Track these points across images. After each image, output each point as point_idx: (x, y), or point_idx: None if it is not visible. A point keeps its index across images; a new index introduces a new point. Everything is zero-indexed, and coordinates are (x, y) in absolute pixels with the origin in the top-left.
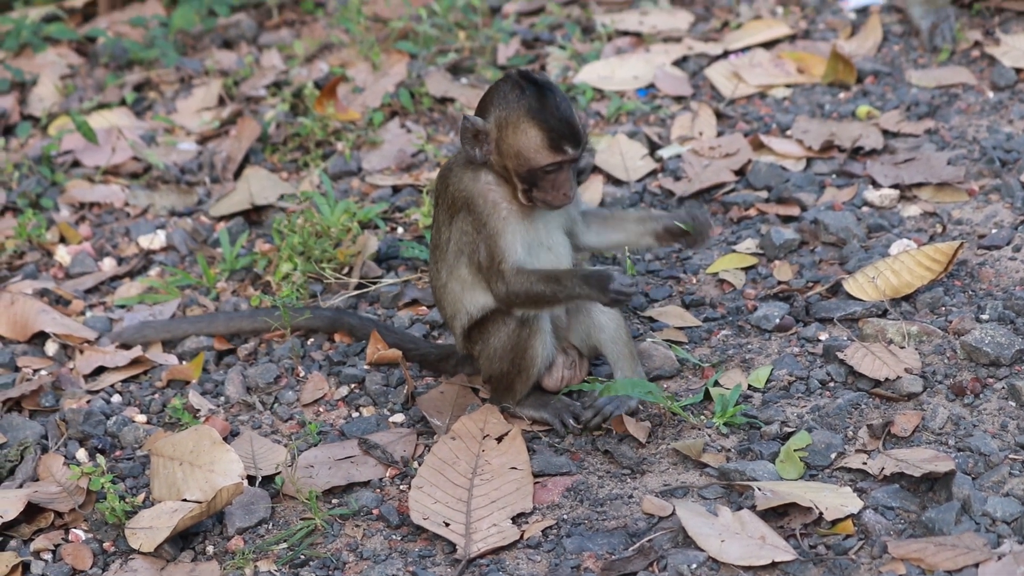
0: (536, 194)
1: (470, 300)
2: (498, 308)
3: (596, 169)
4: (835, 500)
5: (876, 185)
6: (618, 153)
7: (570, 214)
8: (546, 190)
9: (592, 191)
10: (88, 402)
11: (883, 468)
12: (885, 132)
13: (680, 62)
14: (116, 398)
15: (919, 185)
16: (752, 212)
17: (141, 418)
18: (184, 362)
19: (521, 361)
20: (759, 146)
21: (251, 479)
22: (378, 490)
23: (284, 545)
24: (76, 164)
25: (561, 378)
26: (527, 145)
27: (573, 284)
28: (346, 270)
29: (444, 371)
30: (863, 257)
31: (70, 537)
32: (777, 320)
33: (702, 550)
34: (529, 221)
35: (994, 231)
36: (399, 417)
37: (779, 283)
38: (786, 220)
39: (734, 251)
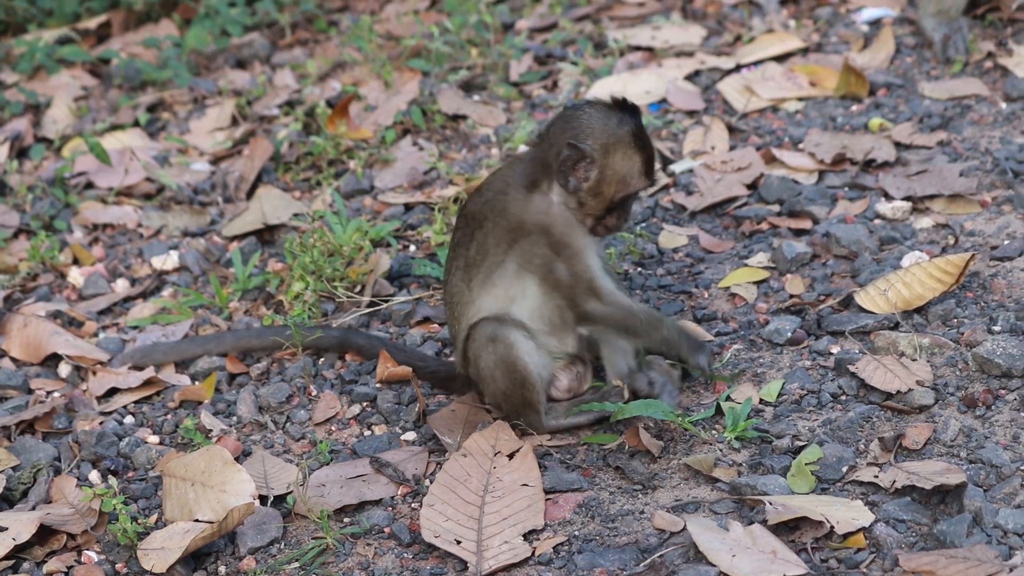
0: (608, 220)
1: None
2: (475, 328)
3: None
4: (846, 514)
5: (888, 197)
6: None
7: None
8: (618, 216)
9: None
10: (101, 423)
11: (894, 481)
12: (897, 144)
13: (692, 76)
14: (129, 419)
15: (931, 197)
16: (764, 226)
17: (153, 439)
18: (196, 382)
19: (514, 374)
20: (771, 160)
21: (263, 499)
22: (390, 508)
23: (296, 565)
24: (89, 186)
25: (568, 388)
26: (631, 171)
27: (672, 332)
28: (358, 288)
29: (453, 390)
30: (875, 270)
31: (83, 559)
32: (789, 334)
33: (713, 565)
34: (593, 241)
35: (1006, 242)
36: (411, 435)
37: (791, 297)
38: (798, 233)
39: (746, 265)
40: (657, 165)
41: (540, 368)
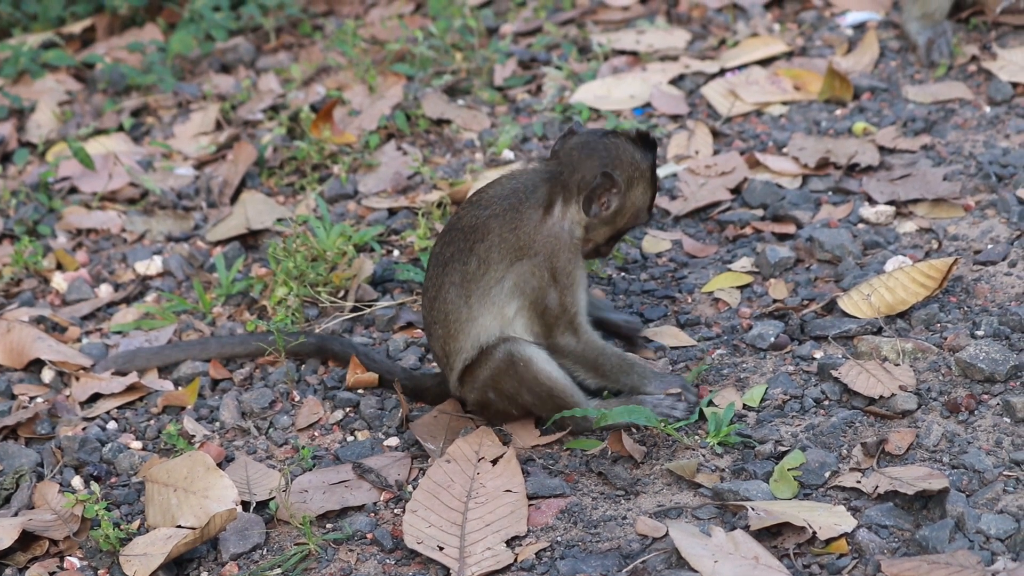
0: (603, 248)
1: (493, 336)
2: (484, 352)
3: None
4: (829, 519)
5: (872, 202)
6: None
7: None
8: (612, 245)
9: None
10: (84, 429)
11: (877, 486)
12: (881, 148)
13: (677, 80)
14: (112, 425)
15: (915, 201)
16: (748, 230)
17: (136, 444)
18: (180, 388)
19: (539, 387)
20: (755, 164)
21: (245, 504)
22: (372, 514)
23: (278, 571)
24: (73, 191)
25: None
26: (643, 205)
27: (644, 379)
28: (342, 294)
29: (423, 401)
30: (858, 274)
31: (65, 565)
32: (772, 339)
33: (695, 571)
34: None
35: (990, 246)
36: (394, 441)
37: (774, 301)
38: (781, 238)
39: (729, 270)
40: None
41: (562, 372)
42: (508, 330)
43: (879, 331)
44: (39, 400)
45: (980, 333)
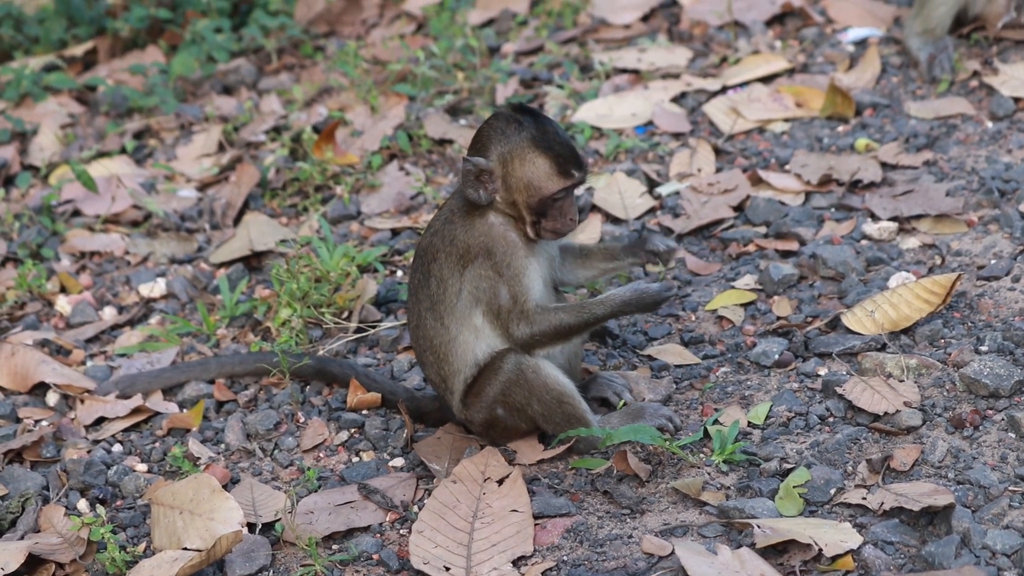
0: (545, 224)
1: (480, 349)
2: (489, 366)
3: (595, 208)
4: (835, 536)
5: (875, 218)
6: (617, 191)
7: (552, 249)
8: (555, 218)
9: (591, 229)
10: (89, 452)
11: (882, 503)
12: (884, 164)
13: (678, 99)
14: (117, 447)
15: (918, 217)
16: (751, 248)
17: (142, 467)
18: (184, 410)
19: (548, 395)
20: (757, 181)
21: (251, 526)
22: (378, 535)
23: None
24: (76, 213)
25: None
26: (537, 175)
27: (609, 308)
28: (345, 314)
29: (425, 423)
30: (862, 291)
31: None
32: (776, 356)
33: None
34: (537, 256)
35: (993, 262)
36: (399, 461)
37: (778, 319)
38: (785, 255)
39: (733, 287)
40: (587, 161)
41: (567, 378)
42: (487, 340)
43: (883, 347)
44: (44, 423)
45: (984, 348)
